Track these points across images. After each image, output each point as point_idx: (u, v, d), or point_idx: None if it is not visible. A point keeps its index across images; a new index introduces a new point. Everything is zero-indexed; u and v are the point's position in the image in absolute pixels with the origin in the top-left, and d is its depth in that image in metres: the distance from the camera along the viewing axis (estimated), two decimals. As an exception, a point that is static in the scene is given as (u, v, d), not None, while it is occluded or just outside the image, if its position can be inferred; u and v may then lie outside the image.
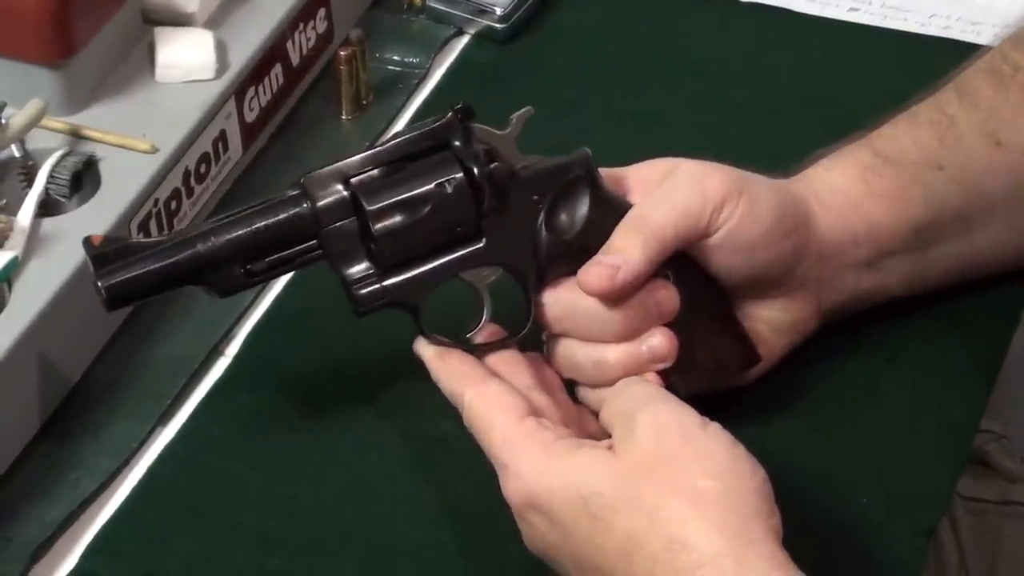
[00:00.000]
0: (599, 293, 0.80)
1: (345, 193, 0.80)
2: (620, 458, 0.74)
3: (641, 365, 0.82)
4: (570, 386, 0.84)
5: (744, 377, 0.86)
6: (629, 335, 0.81)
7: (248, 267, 0.80)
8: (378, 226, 0.79)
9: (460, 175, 0.80)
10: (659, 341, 0.81)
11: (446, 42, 1.11)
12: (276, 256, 0.80)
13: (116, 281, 0.79)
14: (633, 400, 0.77)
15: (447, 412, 0.80)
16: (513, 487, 0.76)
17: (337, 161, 0.81)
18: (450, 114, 0.81)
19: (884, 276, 0.88)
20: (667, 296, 0.82)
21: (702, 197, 0.82)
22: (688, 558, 0.71)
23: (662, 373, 0.82)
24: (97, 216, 0.90)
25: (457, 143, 0.80)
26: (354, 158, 0.81)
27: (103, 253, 0.79)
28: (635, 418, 0.75)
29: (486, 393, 0.78)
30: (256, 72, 1.01)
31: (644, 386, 0.79)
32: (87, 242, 0.79)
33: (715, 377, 0.84)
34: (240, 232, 0.80)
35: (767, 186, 0.84)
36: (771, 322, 0.86)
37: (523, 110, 0.83)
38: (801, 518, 0.79)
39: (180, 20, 1.00)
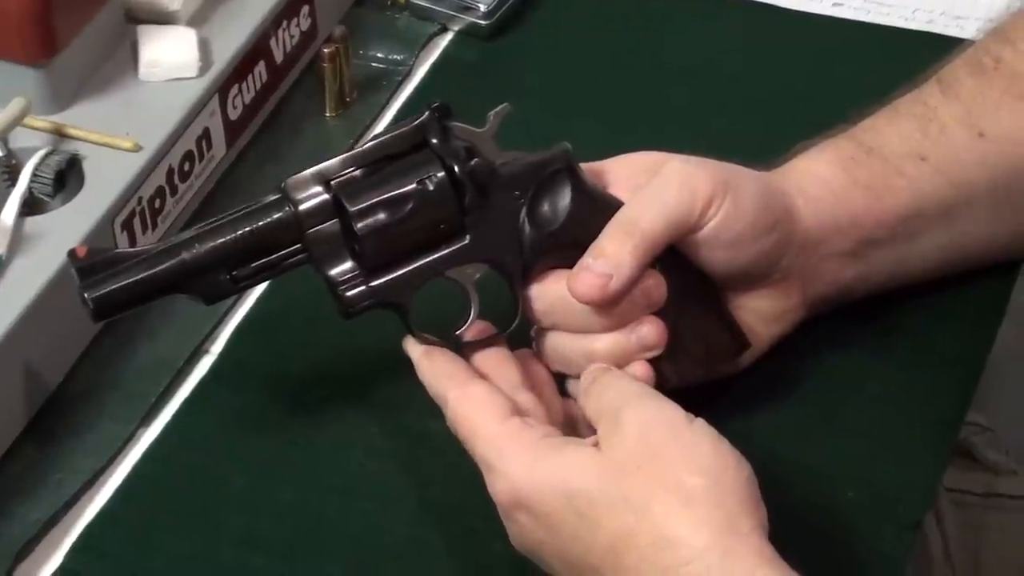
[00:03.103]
0: (591, 302, 0.80)
1: (327, 195, 0.80)
2: (606, 455, 0.74)
3: (630, 354, 0.82)
4: (559, 381, 0.84)
5: (734, 365, 0.86)
6: (617, 325, 0.81)
7: (233, 273, 0.80)
8: (361, 226, 0.79)
9: (441, 172, 0.80)
10: (648, 330, 0.81)
11: (430, 39, 1.11)
12: (261, 261, 0.80)
13: (102, 292, 0.79)
14: (618, 397, 0.77)
15: (432, 410, 0.80)
16: (500, 487, 0.76)
17: (317, 163, 0.81)
18: (427, 113, 0.81)
19: (869, 266, 0.88)
20: (655, 285, 0.82)
21: (691, 196, 0.81)
22: (676, 554, 0.71)
23: (652, 361, 0.82)
24: (81, 215, 0.90)
25: (436, 141, 0.81)
26: (334, 160, 0.81)
27: (88, 264, 0.79)
28: (620, 415, 0.75)
29: (469, 394, 0.78)
30: (240, 70, 1.01)
31: (629, 382, 0.79)
32: (72, 254, 0.79)
33: (706, 364, 0.84)
34: (224, 239, 0.79)
35: (751, 180, 0.84)
36: (757, 312, 0.86)
37: (500, 107, 0.82)
38: (787, 512, 0.78)
39: (163, 18, 1.00)
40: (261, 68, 1.03)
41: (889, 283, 0.90)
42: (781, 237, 0.84)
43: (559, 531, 0.74)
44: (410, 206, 0.80)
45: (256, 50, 1.02)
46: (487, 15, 1.10)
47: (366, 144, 0.81)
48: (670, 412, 0.75)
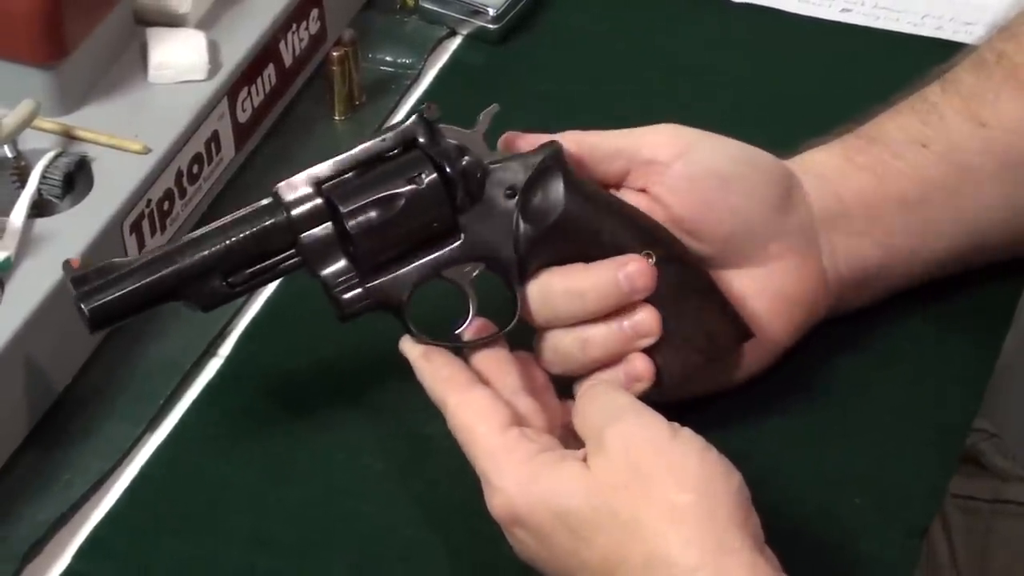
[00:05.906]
0: None
1: (319, 198, 0.80)
2: (594, 474, 0.74)
3: (626, 342, 0.82)
4: (560, 386, 0.84)
5: (755, 365, 0.86)
6: (606, 308, 0.81)
7: (229, 279, 0.80)
8: (354, 226, 0.80)
9: (431, 171, 0.80)
10: (642, 316, 0.81)
11: (439, 43, 1.11)
12: (256, 267, 0.80)
13: (98, 302, 0.79)
14: (601, 414, 0.77)
15: (437, 412, 0.80)
16: (497, 502, 0.76)
17: (309, 167, 0.81)
18: (415, 116, 0.81)
19: (888, 251, 0.88)
20: (638, 268, 0.81)
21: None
22: (668, 573, 0.71)
23: (653, 353, 0.82)
24: (89, 217, 0.90)
25: (425, 141, 0.81)
26: (325, 163, 0.81)
27: (83, 275, 0.79)
28: (603, 433, 0.75)
29: (470, 401, 0.78)
30: (249, 73, 1.01)
31: (612, 397, 0.79)
32: (66, 265, 0.80)
33: (708, 353, 0.84)
34: (217, 245, 0.80)
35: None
36: (782, 293, 0.86)
37: (490, 107, 0.83)
38: (794, 518, 0.79)
39: (172, 21, 1.00)
40: (270, 71, 1.03)
41: (912, 272, 0.90)
42: (778, 192, 0.86)
43: (555, 548, 0.75)
44: (402, 206, 0.80)
45: (265, 53, 1.02)
46: (496, 19, 1.10)
47: (356, 147, 0.82)
48: (654, 427, 0.75)
